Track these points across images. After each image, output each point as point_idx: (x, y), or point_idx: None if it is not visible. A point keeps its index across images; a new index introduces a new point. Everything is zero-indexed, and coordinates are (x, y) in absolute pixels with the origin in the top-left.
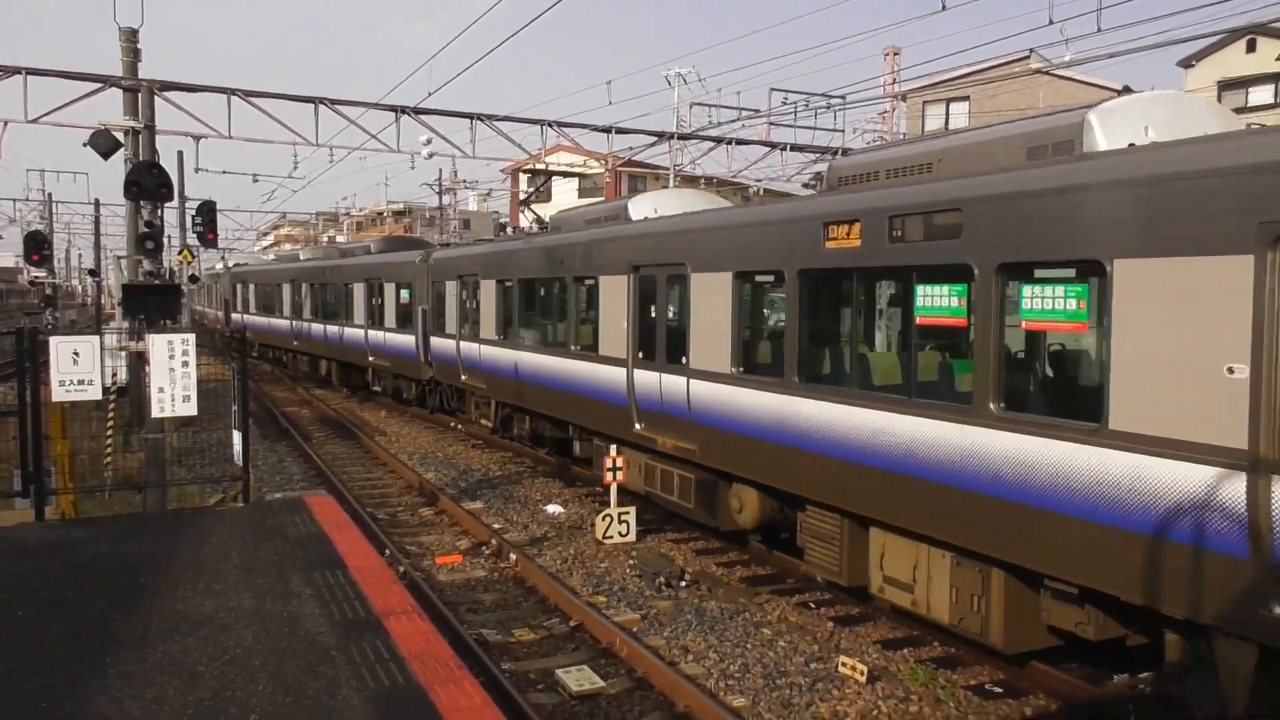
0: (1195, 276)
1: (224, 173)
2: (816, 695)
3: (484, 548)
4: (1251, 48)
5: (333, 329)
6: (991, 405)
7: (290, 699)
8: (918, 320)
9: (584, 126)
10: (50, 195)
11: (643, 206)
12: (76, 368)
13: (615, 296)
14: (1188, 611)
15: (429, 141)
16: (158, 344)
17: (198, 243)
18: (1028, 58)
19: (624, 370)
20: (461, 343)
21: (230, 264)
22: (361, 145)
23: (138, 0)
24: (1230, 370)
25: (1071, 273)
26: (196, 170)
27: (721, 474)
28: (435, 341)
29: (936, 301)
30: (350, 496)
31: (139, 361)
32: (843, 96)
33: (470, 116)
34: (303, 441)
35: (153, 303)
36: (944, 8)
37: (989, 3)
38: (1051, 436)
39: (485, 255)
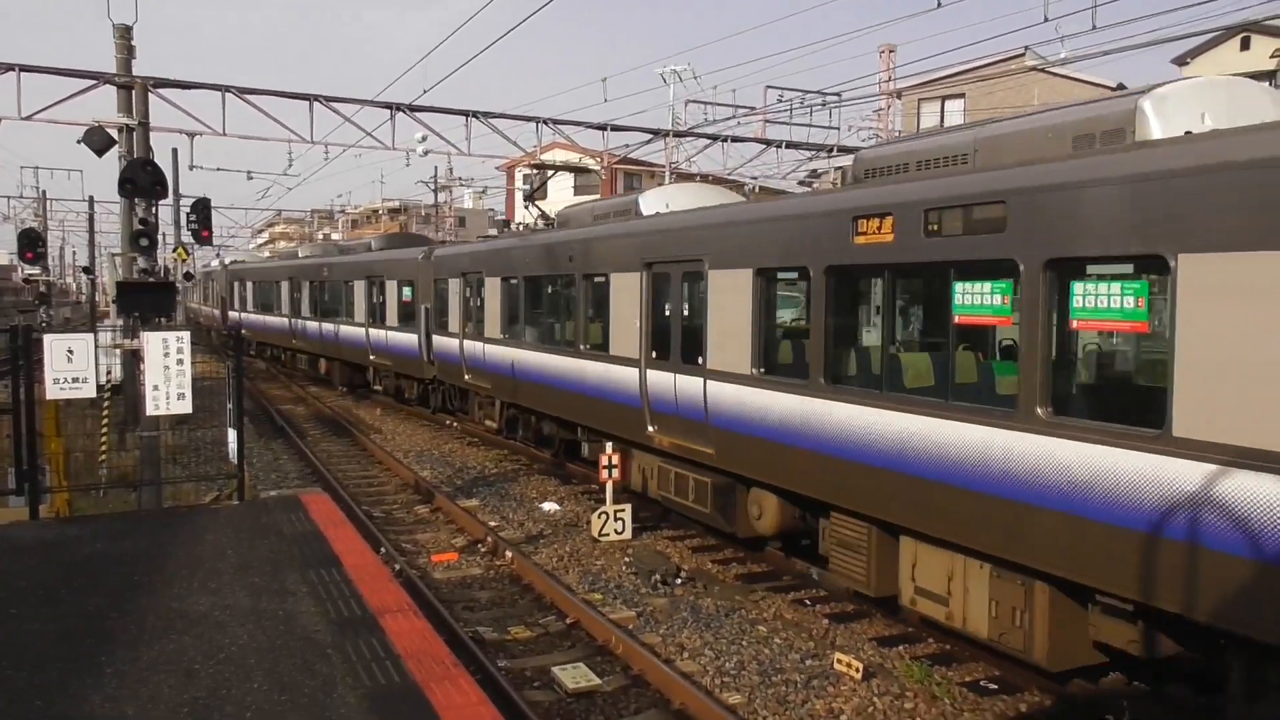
0: (1271, 272)
1: (218, 170)
2: (812, 692)
3: (480, 545)
4: (1245, 45)
5: (333, 327)
6: (1039, 410)
7: (286, 697)
8: (956, 319)
9: (579, 124)
10: (44, 192)
11: (654, 201)
12: (71, 365)
13: (627, 294)
14: (1263, 634)
15: (424, 139)
16: (152, 342)
17: (192, 240)
18: (1023, 55)
19: (636, 370)
20: (465, 341)
21: (227, 261)
22: (356, 142)
23: None
24: None
25: (1129, 268)
26: (191, 167)
27: (740, 478)
28: (438, 340)
29: (977, 299)
30: (346, 494)
31: (134, 359)
32: (838, 94)
33: (465, 114)
34: (298, 439)
35: (147, 300)
36: (939, 5)
37: (984, 0)
38: (1106, 444)
39: (490, 252)
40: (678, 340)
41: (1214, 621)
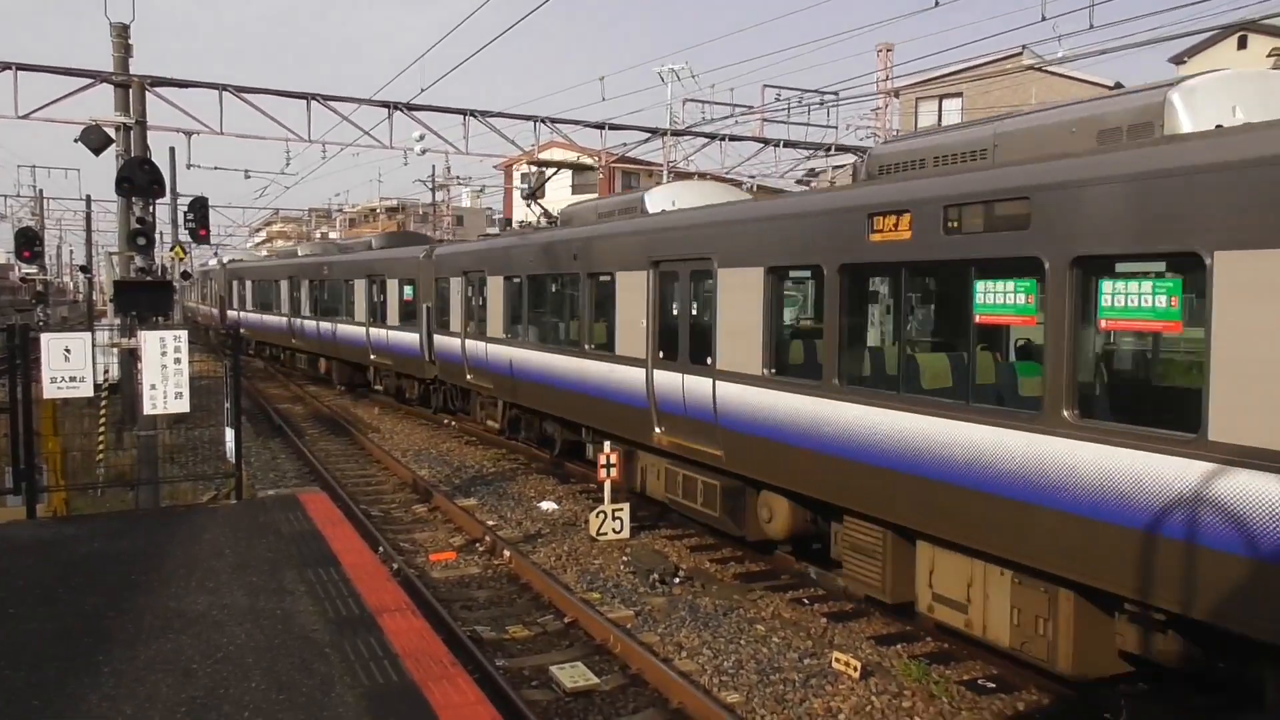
0: None
1: (216, 169)
2: (810, 691)
3: (478, 545)
4: (1243, 44)
5: (333, 326)
6: (1065, 412)
7: (284, 696)
8: (977, 319)
9: (577, 123)
10: (41, 191)
11: (660, 199)
12: (68, 364)
13: (633, 293)
14: None
15: (422, 138)
16: (150, 341)
17: (190, 239)
18: (1020, 54)
19: (643, 371)
20: (467, 341)
21: (225, 260)
22: (354, 141)
23: None
24: None
25: (1161, 266)
26: (188, 166)
27: (749, 481)
28: (439, 340)
29: (999, 298)
30: (344, 493)
31: (131, 358)
32: (835, 93)
33: (463, 112)
34: (296, 438)
35: (144, 299)
36: (936, 4)
37: None
38: (1137, 447)
39: (492, 250)
40: (685, 340)
41: (1251, 633)
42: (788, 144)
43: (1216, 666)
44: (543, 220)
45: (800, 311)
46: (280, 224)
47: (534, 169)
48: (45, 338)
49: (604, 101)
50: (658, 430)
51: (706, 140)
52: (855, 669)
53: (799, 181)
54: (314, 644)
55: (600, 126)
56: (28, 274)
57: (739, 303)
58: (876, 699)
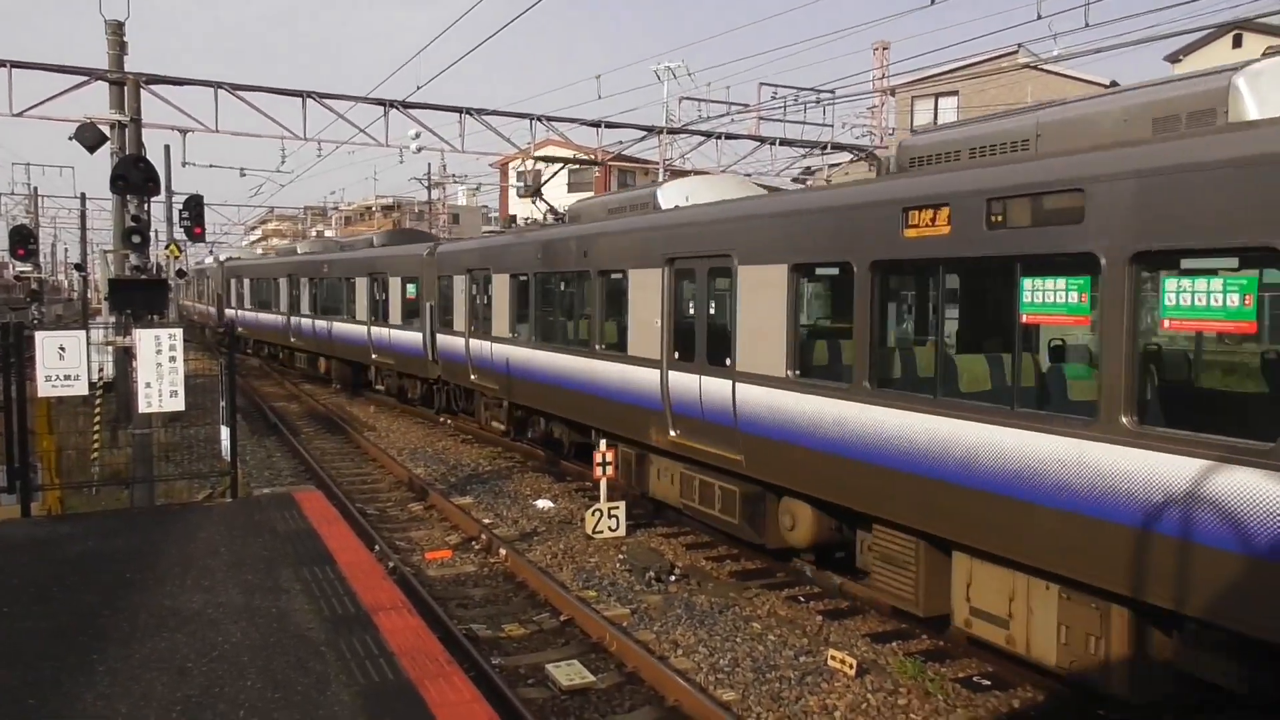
0: None
1: (211, 167)
2: (806, 688)
3: (474, 543)
4: (1238, 43)
5: (334, 325)
6: (1123, 419)
7: (279, 695)
8: (1023, 318)
9: (573, 121)
10: (36, 189)
11: (673, 194)
12: (63, 363)
13: (647, 291)
14: None
15: (418, 136)
16: (145, 339)
17: (185, 237)
18: (1016, 53)
19: (657, 372)
20: (471, 340)
21: (222, 258)
22: (350, 139)
23: None
24: None
25: (1233, 262)
26: (183, 164)
27: (770, 487)
28: (442, 339)
29: (1049, 296)
30: (339, 492)
31: (126, 356)
32: (832, 91)
33: (459, 111)
34: (291, 437)
35: (139, 297)
36: (931, 3)
37: None
38: (1203, 457)
39: (497, 248)
40: (703, 340)
41: None
42: (784, 142)
43: None
44: (549, 217)
45: (827, 310)
46: (276, 222)
47: (530, 167)
48: (40, 336)
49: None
50: (672, 433)
51: (703, 138)
52: (851, 666)
53: (795, 180)
54: (309, 642)
55: (596, 124)
56: (22, 272)
57: (761, 301)
58: (872, 696)
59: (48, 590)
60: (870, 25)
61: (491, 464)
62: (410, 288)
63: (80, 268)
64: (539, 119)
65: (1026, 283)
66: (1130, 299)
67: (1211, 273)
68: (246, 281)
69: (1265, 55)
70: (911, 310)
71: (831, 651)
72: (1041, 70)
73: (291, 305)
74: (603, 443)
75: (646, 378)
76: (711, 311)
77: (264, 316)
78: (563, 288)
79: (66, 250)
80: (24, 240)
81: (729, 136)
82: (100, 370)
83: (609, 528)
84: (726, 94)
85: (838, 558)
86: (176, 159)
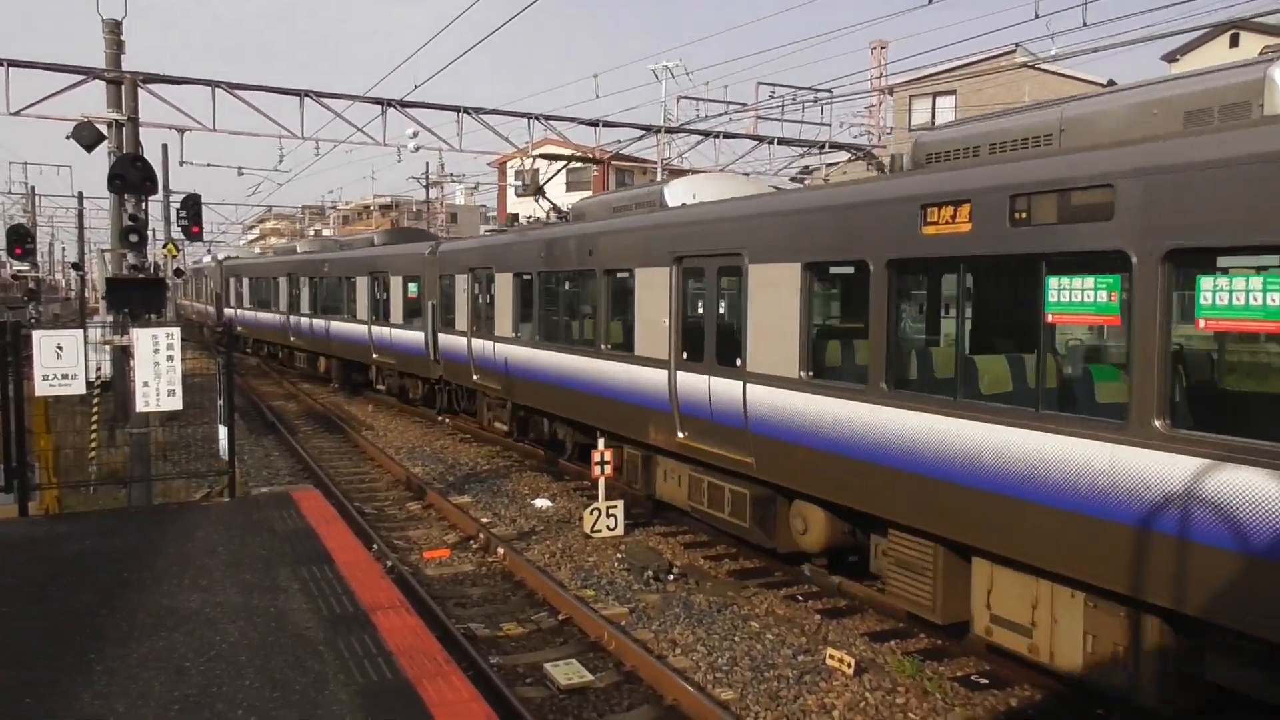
0: None
1: (209, 166)
2: (804, 687)
3: (472, 542)
4: (1235, 42)
5: (334, 324)
6: (1156, 422)
7: (278, 694)
8: (1049, 318)
9: (571, 120)
10: (33, 188)
11: (680, 192)
12: (60, 362)
13: (654, 290)
14: None
15: (415, 135)
16: (142, 338)
17: (182, 236)
18: (1013, 52)
19: (664, 372)
20: (474, 340)
21: (221, 257)
22: (348, 138)
23: None
24: None
25: (1273, 260)
26: (181, 163)
27: (782, 490)
28: (444, 339)
29: (1076, 296)
30: (337, 491)
31: (123, 356)
32: (830, 90)
33: (457, 110)
34: (289, 436)
35: (137, 296)
36: (929, 2)
37: None
38: (1245, 463)
39: (500, 247)
40: (712, 340)
41: None
42: (782, 141)
43: None
44: (552, 215)
45: (842, 310)
46: (274, 221)
47: (529, 166)
48: (37, 335)
49: (598, 99)
50: (680, 435)
51: (701, 137)
52: (849, 665)
53: (793, 179)
54: (308, 642)
55: (594, 124)
56: (20, 271)
57: (772, 301)
58: (870, 695)
59: (45, 590)
60: (868, 25)
61: (490, 463)
62: (412, 287)
63: (78, 267)
64: (537, 118)
65: (1052, 281)
66: (1163, 298)
67: (1251, 270)
68: (245, 280)
69: (1262, 55)
70: (930, 309)
71: (830, 650)
72: (1039, 69)
73: (291, 304)
74: (601, 442)
75: (653, 378)
76: (721, 311)
77: (263, 315)
78: (567, 287)
79: (64, 249)
80: (21, 239)
81: (727, 136)
82: (98, 369)
83: (607, 527)
84: (724, 93)
85: (851, 562)
86: (174, 158)
